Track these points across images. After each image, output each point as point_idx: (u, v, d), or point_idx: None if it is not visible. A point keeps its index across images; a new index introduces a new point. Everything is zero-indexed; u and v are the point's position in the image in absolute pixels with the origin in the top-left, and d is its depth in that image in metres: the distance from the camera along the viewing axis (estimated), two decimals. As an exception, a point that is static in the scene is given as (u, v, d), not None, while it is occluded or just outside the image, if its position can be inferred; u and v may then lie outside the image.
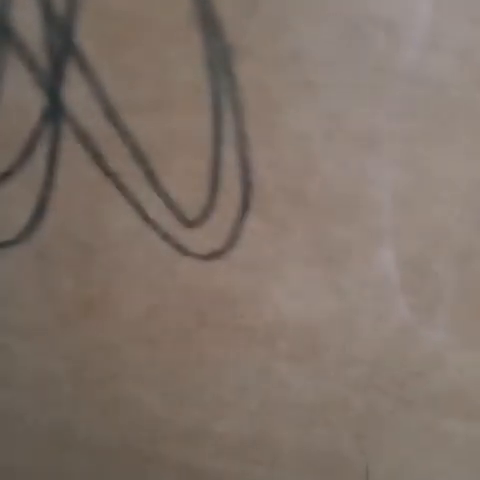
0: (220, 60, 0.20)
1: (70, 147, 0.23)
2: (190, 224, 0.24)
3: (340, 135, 0.21)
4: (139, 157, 0.22)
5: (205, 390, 0.31)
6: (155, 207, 0.23)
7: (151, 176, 0.23)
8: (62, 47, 0.22)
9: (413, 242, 0.23)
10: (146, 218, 0.24)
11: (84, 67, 0.22)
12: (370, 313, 0.25)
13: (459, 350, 0.26)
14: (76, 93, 0.22)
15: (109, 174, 0.23)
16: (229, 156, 0.22)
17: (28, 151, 0.23)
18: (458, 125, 0.20)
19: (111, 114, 0.22)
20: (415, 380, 0.27)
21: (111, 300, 0.28)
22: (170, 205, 0.23)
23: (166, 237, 0.25)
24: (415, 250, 0.24)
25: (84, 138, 0.23)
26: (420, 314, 0.25)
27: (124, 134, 0.22)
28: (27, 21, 0.21)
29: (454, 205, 0.22)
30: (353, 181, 0.22)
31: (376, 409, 0.30)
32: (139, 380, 0.30)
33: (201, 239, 0.24)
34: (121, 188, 0.23)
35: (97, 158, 0.23)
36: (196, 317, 0.28)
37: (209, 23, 0.20)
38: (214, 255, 0.25)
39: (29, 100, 0.23)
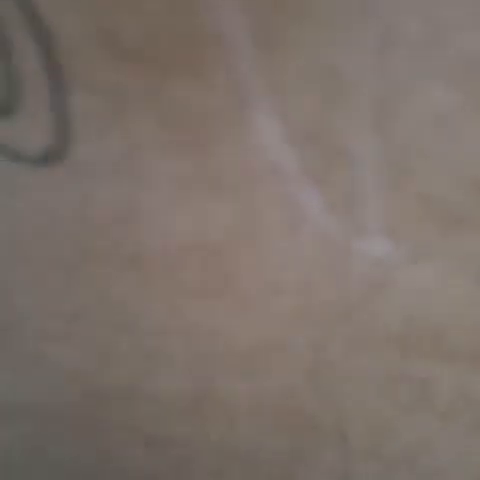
0: None
1: None
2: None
3: None
4: None
5: (120, 340, 0.25)
6: None
7: None
8: None
9: (302, 105, 0.15)
10: None
11: None
12: (276, 221, 0.18)
13: (409, 264, 0.17)
14: None
15: None
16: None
17: None
18: None
19: None
20: (361, 311, 0.20)
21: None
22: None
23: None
24: (307, 117, 0.15)
25: None
26: (342, 216, 0.17)
27: None
28: None
29: (348, 39, 0.13)
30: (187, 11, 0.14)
31: (325, 351, 0.23)
32: (38, 333, 0.25)
33: (23, 135, 0.17)
34: None
35: None
36: (75, 249, 0.22)
37: None
38: (51, 155, 0.18)
39: None
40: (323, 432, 0.27)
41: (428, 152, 0.15)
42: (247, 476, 0.30)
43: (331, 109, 0.15)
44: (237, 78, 0.14)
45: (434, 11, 0.13)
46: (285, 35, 0.14)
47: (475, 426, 0.23)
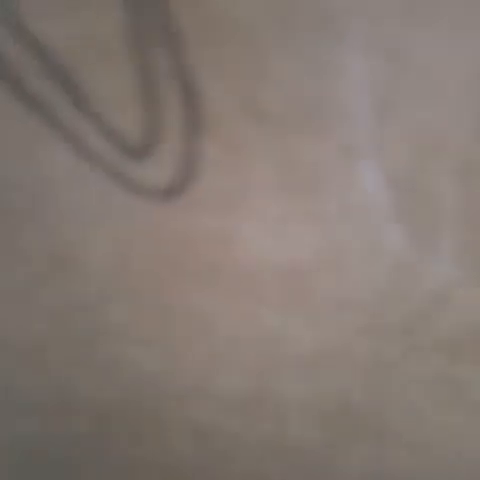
0: None
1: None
2: (135, 154, 0.20)
3: (292, 19, 0.16)
4: (58, 74, 0.18)
5: (195, 344, 0.28)
6: (91, 137, 0.20)
7: (76, 97, 0.19)
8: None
9: (401, 156, 0.19)
10: (87, 152, 0.20)
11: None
12: (360, 248, 0.21)
13: (468, 286, 0.21)
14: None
15: (32, 101, 0.19)
16: (163, 60, 0.18)
17: None
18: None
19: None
20: (421, 323, 0.24)
21: (75, 252, 0.25)
22: (107, 132, 0.19)
23: (114, 174, 0.21)
24: (404, 166, 0.19)
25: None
26: (419, 245, 0.20)
27: (34, 46, 0.18)
28: None
29: (448, 104, 0.17)
30: (316, 80, 0.17)
31: (382, 357, 0.26)
32: (126, 338, 0.28)
33: (151, 173, 0.20)
34: (49, 117, 0.19)
35: (15, 83, 0.19)
36: (169, 266, 0.25)
37: None
38: (173, 191, 0.21)
39: None
40: (366, 430, 0.30)
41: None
42: (289, 467, 0.33)
43: (418, 162, 0.19)
44: (352, 137, 0.18)
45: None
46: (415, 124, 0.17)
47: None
